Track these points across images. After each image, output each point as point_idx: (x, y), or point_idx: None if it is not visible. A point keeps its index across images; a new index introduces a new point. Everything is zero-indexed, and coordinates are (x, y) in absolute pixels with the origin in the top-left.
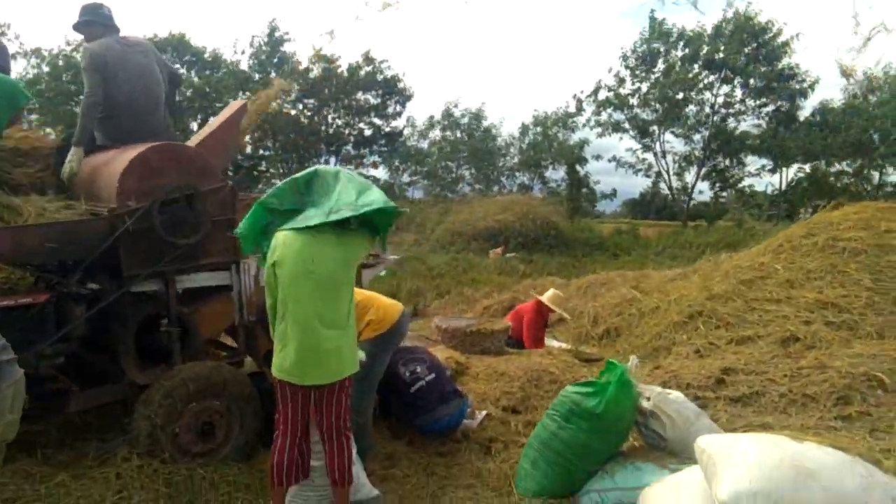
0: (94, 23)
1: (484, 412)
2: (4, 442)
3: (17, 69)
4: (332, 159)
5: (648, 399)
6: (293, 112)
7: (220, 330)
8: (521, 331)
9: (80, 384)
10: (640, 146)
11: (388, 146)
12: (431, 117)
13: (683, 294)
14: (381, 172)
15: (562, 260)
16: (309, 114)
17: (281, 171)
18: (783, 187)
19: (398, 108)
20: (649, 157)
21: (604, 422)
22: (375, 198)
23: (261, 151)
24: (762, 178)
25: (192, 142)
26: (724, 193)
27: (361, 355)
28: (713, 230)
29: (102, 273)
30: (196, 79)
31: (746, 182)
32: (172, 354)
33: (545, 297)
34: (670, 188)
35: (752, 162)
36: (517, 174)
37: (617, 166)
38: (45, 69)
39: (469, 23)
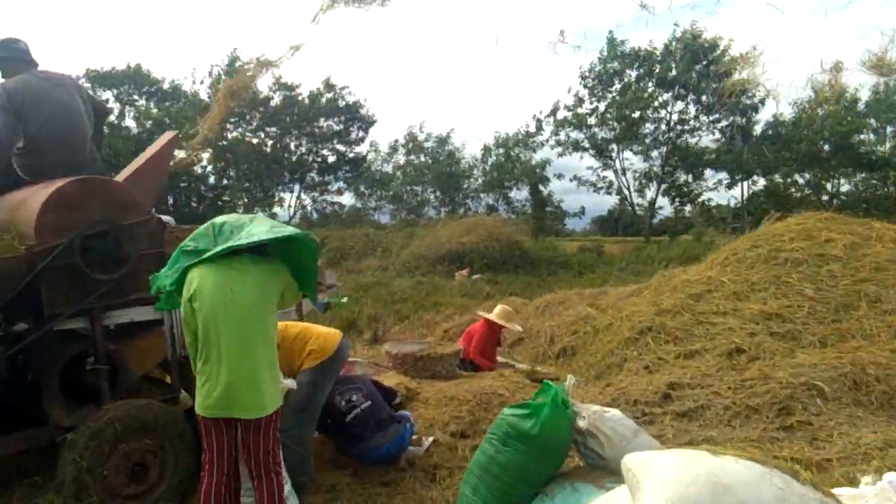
0: (9, 59)
1: (431, 438)
2: None
3: None
4: (297, 187)
5: (585, 418)
6: (255, 140)
7: (151, 366)
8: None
9: (5, 428)
10: (599, 164)
11: (353, 172)
12: (395, 141)
13: (635, 310)
14: (347, 198)
15: (527, 279)
16: (271, 142)
17: (244, 200)
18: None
19: (361, 133)
20: (609, 174)
21: (540, 443)
22: (289, 230)
23: (224, 181)
24: (719, 191)
25: (122, 175)
26: (686, 208)
27: (291, 383)
28: (674, 245)
29: (26, 312)
30: (155, 110)
31: (706, 196)
32: (101, 394)
33: (493, 315)
34: (632, 205)
35: (711, 177)
36: (482, 196)
37: (578, 185)
38: None
39: (430, 45)
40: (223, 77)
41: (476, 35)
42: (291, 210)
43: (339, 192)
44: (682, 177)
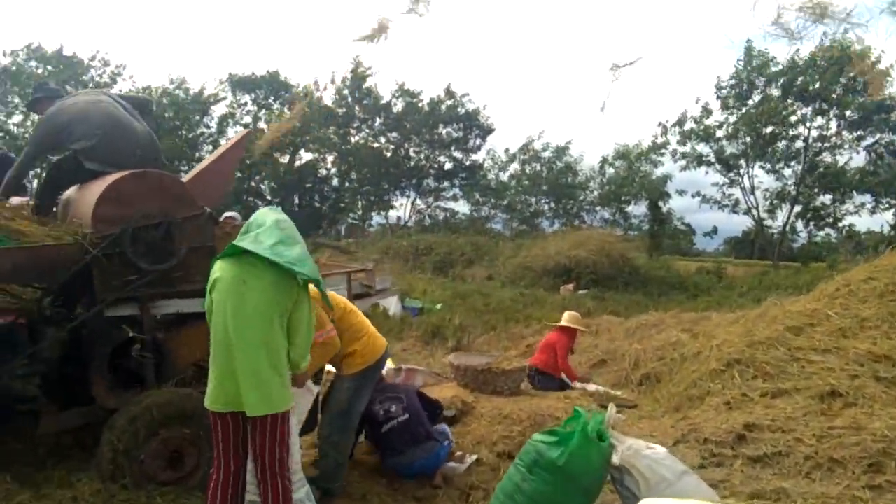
0: (44, 98)
1: (474, 457)
2: None
3: None
4: (412, 193)
5: (619, 453)
6: (376, 145)
7: (197, 357)
8: (554, 362)
9: (60, 406)
10: (725, 180)
11: (469, 179)
12: (507, 150)
13: (727, 339)
14: (462, 206)
15: (635, 298)
16: (392, 147)
17: (362, 202)
18: None
19: (479, 140)
20: (736, 192)
21: (567, 475)
22: (290, 255)
23: (346, 184)
24: (861, 216)
25: (193, 171)
26: (828, 232)
27: (315, 388)
28: (804, 272)
29: (82, 298)
30: (288, 113)
31: (847, 221)
32: (146, 379)
33: (566, 321)
34: (761, 225)
35: (854, 199)
36: (598, 209)
37: (702, 201)
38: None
39: (556, 53)
40: (346, 83)
41: (604, 45)
42: (407, 214)
43: (455, 199)
44: (820, 198)
